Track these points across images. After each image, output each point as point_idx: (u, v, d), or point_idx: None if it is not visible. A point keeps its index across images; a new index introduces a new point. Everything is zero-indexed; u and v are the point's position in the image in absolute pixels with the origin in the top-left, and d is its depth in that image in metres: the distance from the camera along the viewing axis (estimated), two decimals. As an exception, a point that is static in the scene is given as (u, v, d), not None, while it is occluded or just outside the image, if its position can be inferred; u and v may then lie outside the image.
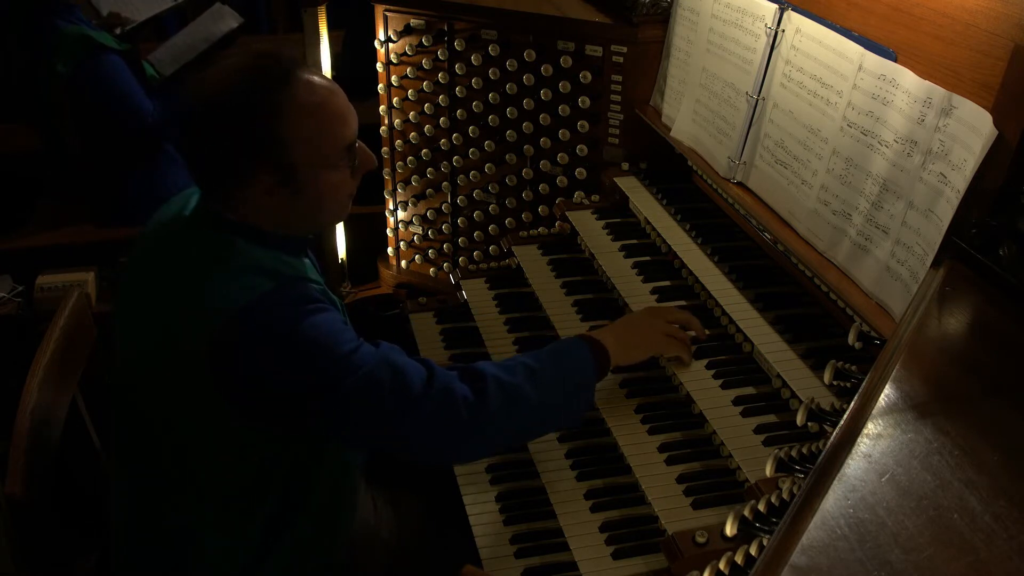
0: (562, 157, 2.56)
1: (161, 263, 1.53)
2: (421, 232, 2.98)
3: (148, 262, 1.55)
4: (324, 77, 1.50)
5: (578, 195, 2.51)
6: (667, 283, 2.10)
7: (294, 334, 1.40)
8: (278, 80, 1.42)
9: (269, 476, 1.53)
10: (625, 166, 2.47)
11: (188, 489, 1.54)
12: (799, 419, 1.43)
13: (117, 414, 1.59)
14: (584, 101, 2.44)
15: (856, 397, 1.18)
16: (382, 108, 2.85)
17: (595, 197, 2.49)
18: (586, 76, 2.42)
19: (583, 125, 2.48)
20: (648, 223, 2.25)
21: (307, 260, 1.63)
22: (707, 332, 1.90)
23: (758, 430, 1.68)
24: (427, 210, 2.92)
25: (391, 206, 3.02)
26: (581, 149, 2.51)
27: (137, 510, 1.61)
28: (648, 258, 2.20)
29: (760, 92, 1.98)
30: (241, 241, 1.46)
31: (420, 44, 2.66)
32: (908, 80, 1.58)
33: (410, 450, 1.52)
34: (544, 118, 2.53)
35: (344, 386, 1.41)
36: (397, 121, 2.82)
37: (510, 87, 2.55)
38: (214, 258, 1.45)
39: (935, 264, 1.47)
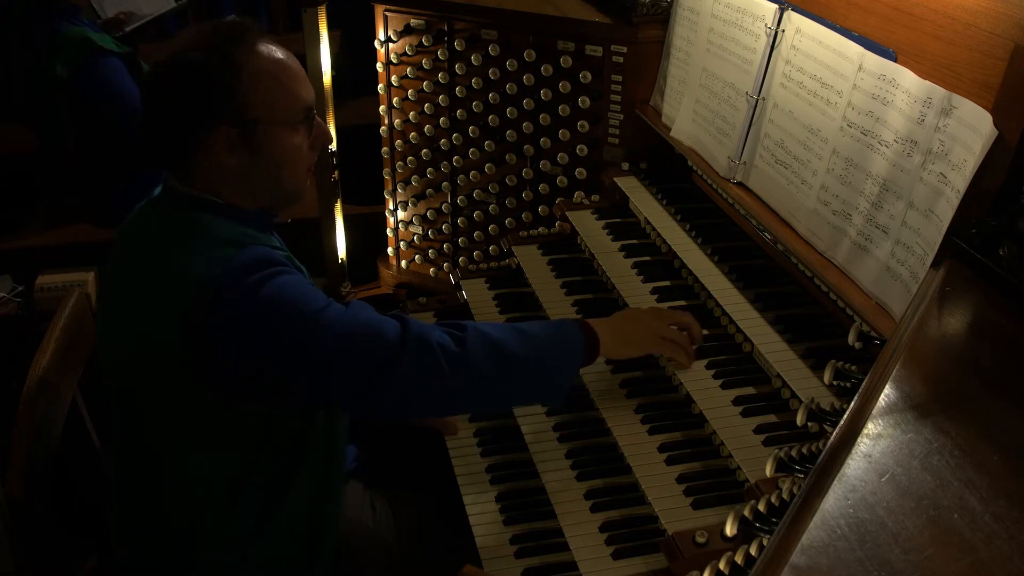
0: (562, 157, 2.56)
1: (130, 251, 1.55)
2: (421, 232, 2.98)
3: (120, 254, 1.58)
4: (278, 44, 1.54)
5: (578, 195, 2.51)
6: (667, 283, 2.10)
7: (262, 300, 1.41)
8: (238, 38, 1.46)
9: (253, 464, 1.54)
10: (625, 166, 2.47)
11: (174, 480, 1.55)
12: (799, 419, 1.43)
13: (108, 406, 1.61)
14: (584, 101, 2.44)
15: (856, 397, 1.18)
16: (382, 108, 2.85)
17: (595, 197, 2.49)
18: (586, 76, 2.42)
19: (583, 125, 2.48)
20: (648, 223, 2.25)
21: (278, 242, 1.64)
22: (706, 332, 1.90)
23: (758, 430, 1.68)
24: (427, 210, 2.92)
25: (391, 206, 3.02)
26: (581, 149, 2.51)
27: (132, 497, 1.62)
28: (648, 258, 2.20)
29: (760, 92, 1.98)
30: (205, 215, 1.48)
31: (420, 44, 2.66)
32: (908, 80, 1.58)
33: (392, 404, 1.51)
34: (544, 118, 2.53)
35: (318, 346, 1.42)
36: (397, 121, 2.82)
37: (510, 87, 2.55)
38: (178, 235, 1.48)
39: (935, 264, 1.47)
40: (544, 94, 2.50)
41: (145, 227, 1.55)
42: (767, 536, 1.28)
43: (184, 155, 1.49)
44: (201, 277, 1.40)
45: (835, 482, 0.97)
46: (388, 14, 2.69)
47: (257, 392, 1.47)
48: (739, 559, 1.25)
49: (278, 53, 1.50)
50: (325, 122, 1.62)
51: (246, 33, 1.48)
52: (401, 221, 3.02)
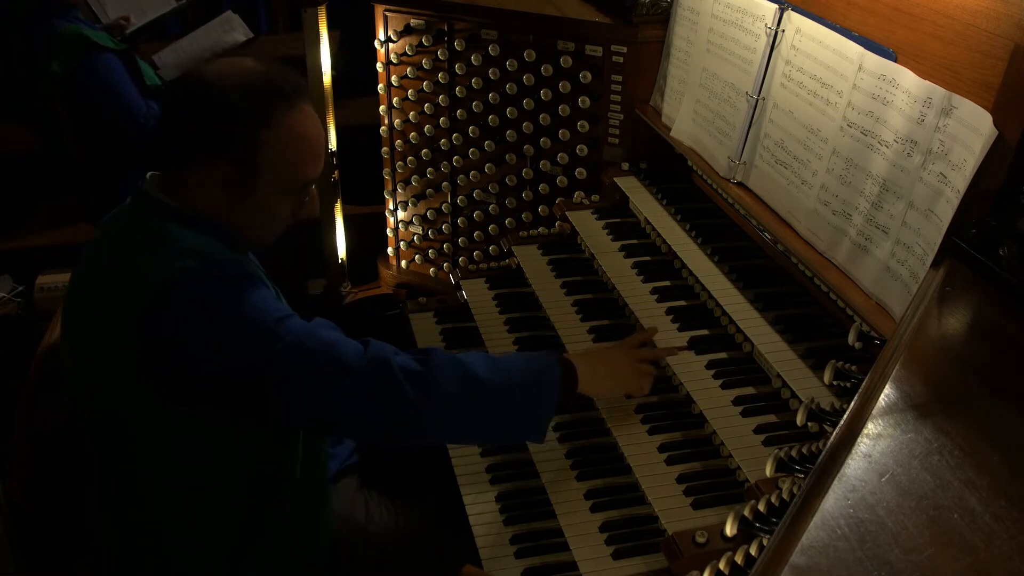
0: (562, 157, 2.56)
1: (97, 256, 1.55)
2: (421, 232, 2.98)
3: (87, 258, 1.57)
4: (316, 116, 1.55)
5: (578, 195, 2.51)
6: (667, 283, 2.10)
7: (219, 305, 1.41)
8: (285, 99, 1.48)
9: (230, 472, 1.53)
10: (625, 166, 2.47)
11: (151, 488, 1.53)
12: (799, 419, 1.43)
13: (77, 414, 1.60)
14: (584, 101, 2.44)
15: (856, 397, 1.18)
16: (382, 108, 2.85)
17: (595, 197, 2.49)
18: (586, 76, 2.42)
19: (583, 125, 2.48)
20: (648, 223, 2.25)
21: (252, 262, 1.63)
22: (706, 332, 1.90)
23: (758, 430, 1.68)
24: (427, 210, 2.92)
25: (391, 206, 3.02)
26: (581, 149, 2.51)
27: (109, 512, 1.61)
28: (648, 258, 2.20)
29: (760, 92, 1.98)
30: (175, 225, 1.48)
31: (420, 44, 2.66)
32: (908, 80, 1.58)
33: (345, 423, 1.48)
34: (544, 118, 2.53)
35: (269, 354, 1.40)
36: (397, 121, 2.82)
37: (510, 87, 2.55)
38: (144, 241, 1.48)
39: (935, 264, 1.47)
40: (544, 94, 2.49)
41: (115, 232, 1.55)
42: (767, 536, 1.28)
43: (181, 164, 1.50)
44: (164, 279, 1.40)
45: (835, 482, 0.96)
46: (388, 14, 2.69)
47: (206, 402, 1.45)
48: (739, 559, 1.25)
49: (312, 127, 1.53)
50: (316, 198, 1.64)
51: (295, 94, 1.50)
52: (401, 221, 3.02)
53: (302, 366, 1.42)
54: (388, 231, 3.09)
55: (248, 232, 1.56)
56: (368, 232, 3.26)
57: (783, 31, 1.91)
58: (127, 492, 1.56)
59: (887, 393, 1.11)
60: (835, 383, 1.49)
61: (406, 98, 2.77)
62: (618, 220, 2.36)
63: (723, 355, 1.87)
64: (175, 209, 1.50)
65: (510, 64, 2.52)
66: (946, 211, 1.47)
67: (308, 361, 1.42)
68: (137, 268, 1.44)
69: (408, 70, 2.71)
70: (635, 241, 2.26)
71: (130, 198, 1.55)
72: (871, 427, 1.05)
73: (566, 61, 2.44)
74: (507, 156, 2.66)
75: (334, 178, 2.92)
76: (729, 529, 1.37)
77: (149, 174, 1.55)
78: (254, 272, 1.53)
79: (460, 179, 2.79)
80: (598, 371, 1.68)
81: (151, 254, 1.45)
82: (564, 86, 2.46)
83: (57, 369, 1.68)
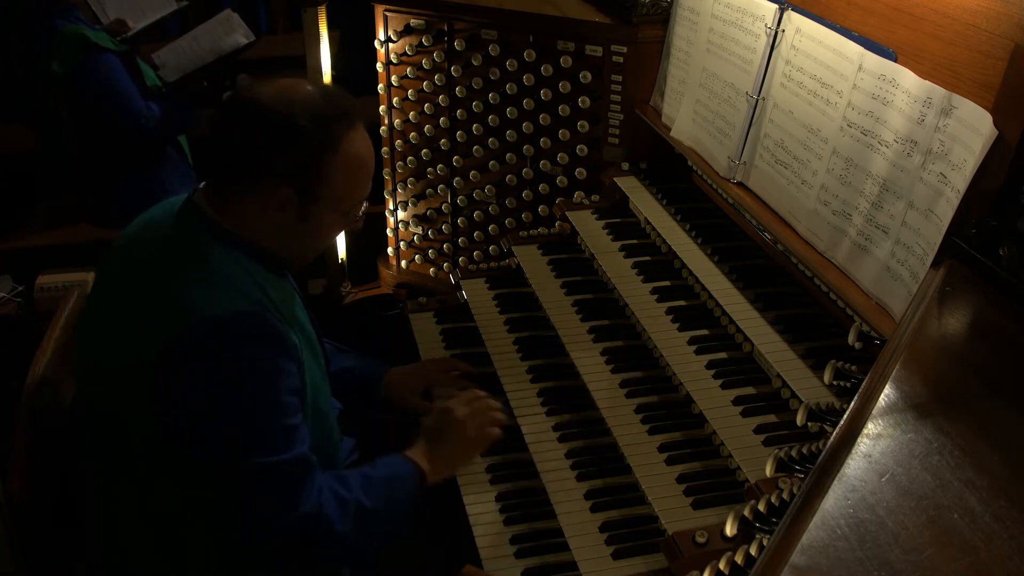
0: (562, 157, 2.56)
1: (136, 265, 1.52)
2: (421, 232, 2.99)
3: (122, 266, 1.55)
4: (367, 134, 1.56)
5: (578, 195, 2.51)
6: (667, 283, 2.10)
7: (243, 379, 1.41)
8: (347, 121, 1.50)
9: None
10: (625, 166, 2.47)
11: (152, 488, 1.53)
12: (799, 419, 1.43)
13: (78, 414, 1.60)
14: (584, 101, 2.44)
15: (856, 397, 1.18)
16: (382, 108, 2.85)
17: (595, 197, 2.49)
18: (586, 76, 2.42)
19: (583, 125, 2.48)
20: (648, 223, 2.25)
21: (290, 285, 1.63)
22: (706, 332, 1.90)
23: (758, 430, 1.68)
24: (427, 210, 2.92)
25: (391, 206, 3.02)
26: (581, 149, 2.51)
27: (109, 512, 1.60)
28: (648, 258, 2.20)
29: (760, 92, 1.98)
30: (217, 244, 1.47)
31: (420, 44, 2.66)
32: (908, 80, 1.58)
33: (271, 548, 1.53)
34: (544, 118, 2.53)
35: (259, 464, 1.43)
36: (397, 121, 2.82)
37: (510, 87, 2.55)
38: (192, 261, 1.46)
39: (935, 264, 1.47)
40: (544, 94, 2.50)
41: (155, 239, 1.52)
42: (767, 536, 1.28)
43: (238, 187, 1.49)
44: (195, 316, 1.39)
45: (835, 482, 0.97)
46: (388, 14, 2.69)
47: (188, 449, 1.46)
48: (739, 559, 1.25)
49: (368, 148, 1.55)
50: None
51: (354, 115, 1.51)
52: (401, 221, 3.02)
53: (277, 485, 1.46)
54: (388, 231, 3.09)
55: (294, 253, 1.58)
56: (368, 232, 3.26)
57: (783, 31, 1.91)
58: (127, 492, 1.56)
59: (887, 393, 1.11)
60: (835, 383, 1.49)
61: (406, 98, 2.77)
62: (618, 220, 2.36)
63: (723, 355, 1.87)
64: (222, 228, 1.49)
65: (510, 64, 2.52)
66: (946, 211, 1.47)
67: (283, 485, 1.46)
68: (174, 291, 1.43)
69: (408, 70, 2.71)
70: (635, 241, 2.26)
71: (180, 205, 1.53)
72: (871, 427, 1.05)
73: (566, 61, 2.44)
74: (507, 156, 2.66)
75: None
76: (729, 529, 1.37)
77: (203, 184, 1.54)
78: (284, 335, 1.47)
79: (460, 179, 2.79)
80: (442, 460, 1.71)
81: (188, 276, 1.44)
82: (564, 86, 2.46)
83: (56, 369, 1.68)
